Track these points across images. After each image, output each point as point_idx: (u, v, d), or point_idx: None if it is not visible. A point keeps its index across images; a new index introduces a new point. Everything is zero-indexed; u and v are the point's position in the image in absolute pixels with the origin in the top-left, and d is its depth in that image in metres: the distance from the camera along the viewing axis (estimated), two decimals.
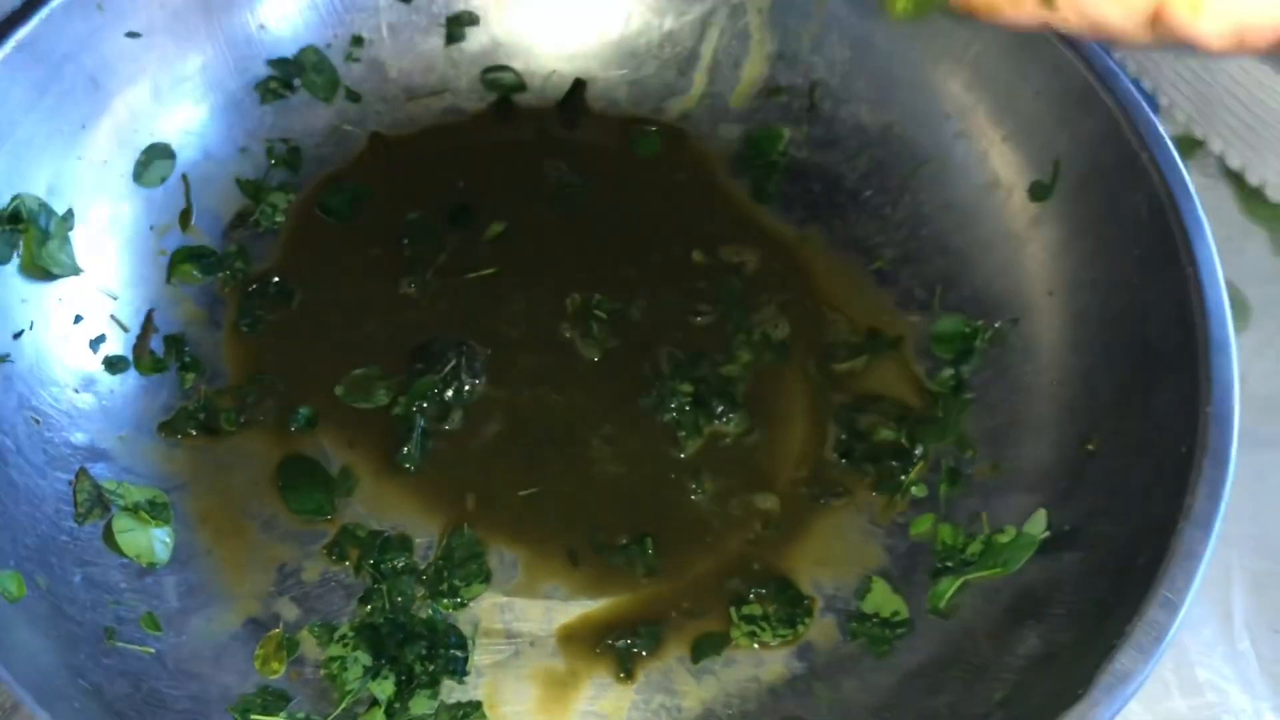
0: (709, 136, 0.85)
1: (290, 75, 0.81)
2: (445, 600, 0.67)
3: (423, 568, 0.68)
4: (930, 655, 0.65)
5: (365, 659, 0.64)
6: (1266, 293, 0.80)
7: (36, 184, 0.70)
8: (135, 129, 0.76)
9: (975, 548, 0.67)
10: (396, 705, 0.63)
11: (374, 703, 0.63)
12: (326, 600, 0.67)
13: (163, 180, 0.77)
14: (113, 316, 0.73)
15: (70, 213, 0.72)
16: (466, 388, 0.74)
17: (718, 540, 0.70)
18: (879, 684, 0.65)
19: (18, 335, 0.68)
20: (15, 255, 0.69)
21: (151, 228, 0.76)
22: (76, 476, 0.67)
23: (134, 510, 0.67)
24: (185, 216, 0.77)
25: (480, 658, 0.66)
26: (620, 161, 0.84)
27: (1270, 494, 0.73)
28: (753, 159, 0.84)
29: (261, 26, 0.80)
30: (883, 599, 0.68)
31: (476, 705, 0.64)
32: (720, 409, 0.73)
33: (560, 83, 0.86)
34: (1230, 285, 0.65)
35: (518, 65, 0.86)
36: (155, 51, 0.76)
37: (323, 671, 0.64)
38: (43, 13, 0.69)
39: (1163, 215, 0.67)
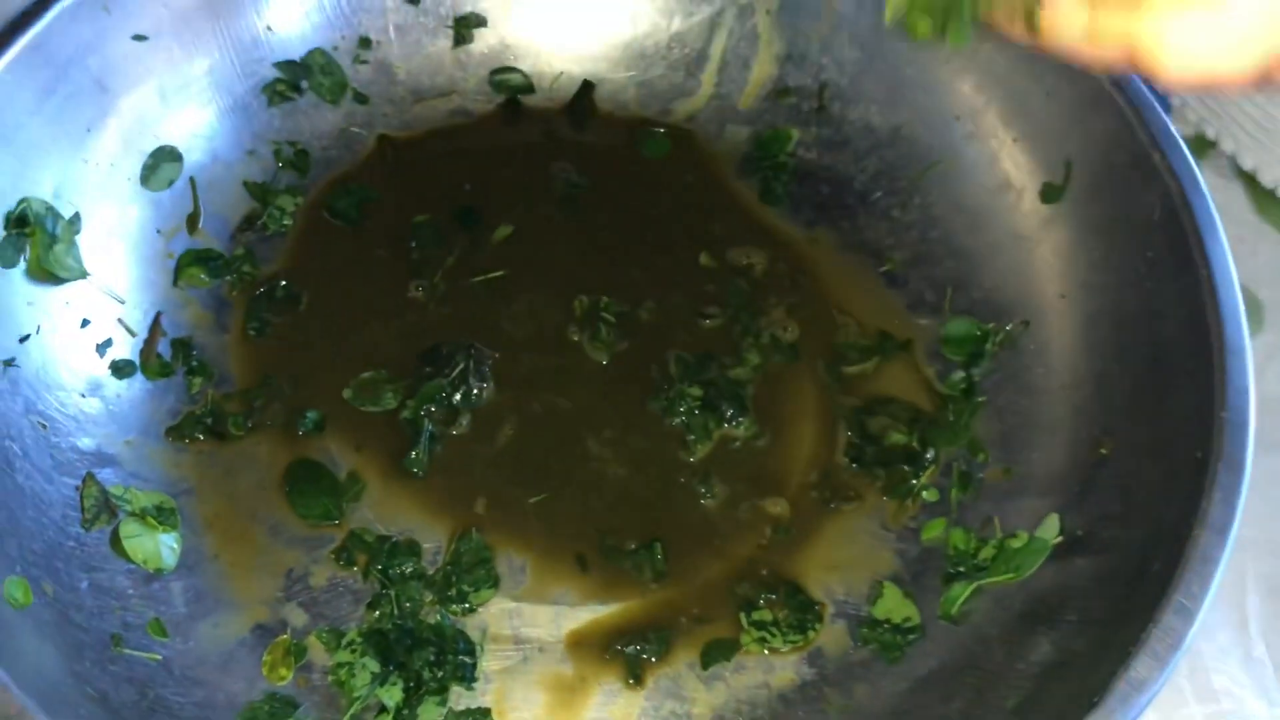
0: (717, 138, 0.85)
1: (297, 78, 0.81)
2: (454, 606, 0.67)
3: (431, 573, 0.68)
4: (942, 661, 0.65)
5: (373, 665, 0.64)
6: None
7: (43, 187, 0.70)
8: (142, 132, 0.76)
9: (987, 553, 0.67)
10: (405, 712, 0.63)
11: (382, 709, 0.63)
12: (334, 606, 0.67)
13: (170, 183, 0.77)
14: (120, 320, 0.73)
15: (77, 216, 0.71)
16: (475, 391, 0.73)
17: (727, 545, 0.70)
18: (890, 690, 0.65)
19: (24, 339, 0.68)
20: (22, 259, 0.69)
21: (158, 231, 0.76)
22: (83, 482, 0.67)
23: (141, 515, 0.67)
24: (192, 219, 0.77)
25: (489, 664, 0.66)
26: (628, 163, 0.84)
27: None
28: (761, 160, 0.83)
29: (268, 29, 0.80)
30: (894, 604, 0.67)
31: (485, 712, 0.64)
32: (729, 412, 0.73)
33: (568, 84, 0.86)
34: (1243, 287, 0.64)
35: (525, 67, 0.86)
36: (162, 54, 0.75)
37: (331, 678, 0.64)
38: (49, 15, 0.69)
39: (1175, 217, 0.66)
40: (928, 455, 0.72)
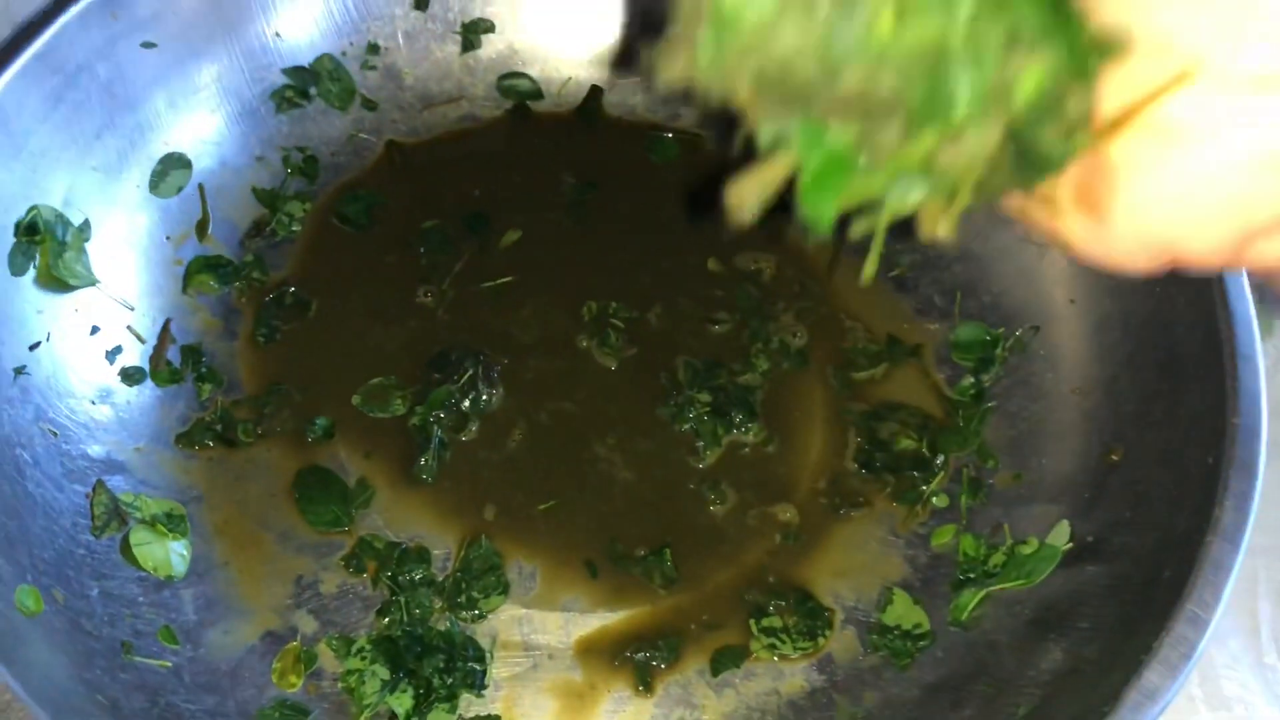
0: (725, 142, 0.84)
1: (306, 84, 0.81)
2: (463, 612, 0.67)
3: (441, 579, 0.68)
4: (952, 668, 0.65)
5: (383, 672, 0.64)
6: None
7: (53, 195, 0.70)
8: (151, 139, 0.76)
9: (997, 559, 0.67)
10: (415, 719, 0.63)
11: (392, 716, 0.63)
12: (344, 612, 0.67)
13: (179, 190, 0.77)
14: (129, 327, 0.73)
15: (87, 223, 0.71)
16: (484, 397, 0.73)
17: (737, 551, 0.70)
18: (900, 697, 0.65)
19: (34, 347, 0.68)
20: (32, 266, 0.69)
21: (168, 238, 0.76)
22: (94, 489, 0.67)
23: (151, 523, 0.67)
24: (201, 226, 0.77)
25: (498, 670, 0.66)
26: (637, 168, 0.84)
27: None
28: None
29: (277, 35, 0.80)
30: (904, 611, 0.67)
31: (495, 719, 0.64)
32: (739, 418, 0.73)
33: (576, 89, 0.86)
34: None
35: (534, 72, 0.86)
36: (170, 61, 0.76)
37: (340, 685, 0.64)
38: (58, 23, 0.69)
39: None
40: (937, 461, 0.71)
